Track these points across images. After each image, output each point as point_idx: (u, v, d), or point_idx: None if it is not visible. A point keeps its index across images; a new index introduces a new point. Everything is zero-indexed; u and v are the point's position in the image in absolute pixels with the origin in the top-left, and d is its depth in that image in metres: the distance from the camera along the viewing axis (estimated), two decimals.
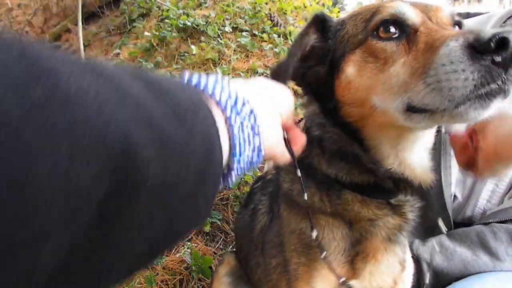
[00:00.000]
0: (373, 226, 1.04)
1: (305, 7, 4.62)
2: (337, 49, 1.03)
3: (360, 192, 1.03)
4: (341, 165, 1.03)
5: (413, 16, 0.90)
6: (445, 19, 0.95)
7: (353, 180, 1.02)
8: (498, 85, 0.73)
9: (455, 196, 1.54)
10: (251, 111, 0.60)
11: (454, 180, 1.50)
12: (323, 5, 5.13)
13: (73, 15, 7.05)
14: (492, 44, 0.71)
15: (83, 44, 5.34)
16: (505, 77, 0.73)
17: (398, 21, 0.91)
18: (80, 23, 4.99)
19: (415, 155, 1.00)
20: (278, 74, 1.04)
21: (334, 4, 5.10)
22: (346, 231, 1.06)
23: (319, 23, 1.07)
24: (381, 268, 1.07)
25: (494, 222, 1.37)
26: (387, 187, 1.02)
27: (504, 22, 1.50)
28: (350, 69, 0.97)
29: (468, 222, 1.55)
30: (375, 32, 0.93)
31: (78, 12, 4.87)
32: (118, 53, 4.89)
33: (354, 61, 0.97)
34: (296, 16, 4.36)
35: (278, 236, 1.19)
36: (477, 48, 0.73)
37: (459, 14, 1.72)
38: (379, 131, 0.98)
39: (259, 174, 2.62)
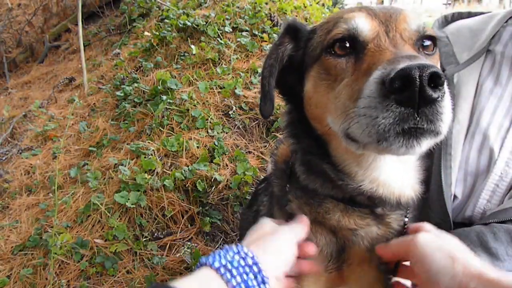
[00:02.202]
0: (355, 235, 1.02)
1: (305, 7, 4.61)
2: (305, 61, 1.00)
3: (342, 202, 1.02)
4: (313, 178, 1.02)
5: (365, 31, 0.86)
6: (407, 33, 0.88)
7: (329, 193, 1.01)
8: (411, 125, 0.69)
9: (455, 196, 1.53)
10: (255, 266, 0.79)
11: (454, 180, 1.50)
12: (323, 5, 5.12)
13: (73, 15, 7.06)
14: (396, 83, 0.67)
15: (83, 44, 5.35)
16: (418, 117, 0.68)
17: (350, 37, 0.87)
18: (80, 23, 4.99)
19: (388, 173, 0.95)
20: (263, 96, 1.04)
21: (334, 4, 5.09)
22: (331, 238, 1.05)
23: (293, 31, 1.03)
24: (369, 278, 1.05)
25: (494, 223, 1.37)
26: (362, 202, 0.99)
27: (506, 22, 1.50)
28: (309, 85, 0.96)
29: (468, 222, 1.54)
30: (330, 49, 0.90)
31: (78, 12, 4.87)
32: (118, 53, 4.89)
33: (312, 76, 0.95)
34: (296, 16, 4.36)
35: None
36: (386, 86, 0.69)
37: (460, 14, 1.73)
38: (340, 148, 0.95)
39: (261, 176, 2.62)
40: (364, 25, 0.86)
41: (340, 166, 0.96)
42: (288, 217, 1.12)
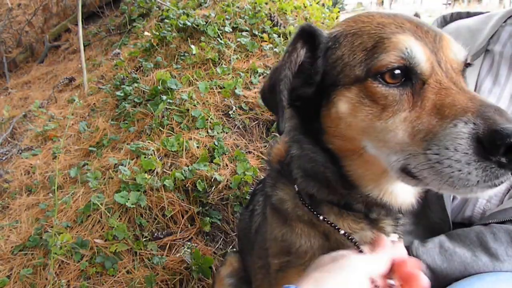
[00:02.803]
0: (349, 240, 1.02)
1: (305, 7, 4.61)
2: (328, 74, 0.93)
3: (337, 206, 1.02)
4: (312, 184, 1.02)
5: (422, 62, 0.81)
6: (455, 64, 0.87)
7: (325, 198, 1.01)
8: (502, 180, 0.70)
9: (454, 196, 1.53)
10: None
11: None
12: (323, 5, 5.12)
13: (73, 15, 7.06)
14: (502, 149, 0.67)
15: (83, 44, 5.35)
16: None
17: (406, 67, 0.82)
18: (80, 23, 4.99)
19: (400, 185, 0.96)
20: (271, 104, 0.98)
21: (334, 4, 5.09)
22: (324, 241, 1.05)
23: (307, 36, 0.95)
24: None
25: (493, 223, 1.37)
26: (358, 209, 1.00)
27: (505, 21, 1.50)
28: (343, 106, 0.89)
29: (468, 223, 1.54)
30: (378, 75, 0.83)
31: (78, 12, 4.88)
32: (118, 53, 4.89)
33: (349, 98, 0.88)
34: (296, 16, 4.36)
35: (264, 239, 1.21)
36: (485, 146, 0.68)
37: (459, 14, 1.73)
38: (363, 166, 0.93)
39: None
40: (421, 56, 0.82)
41: (351, 178, 0.95)
42: (282, 216, 1.12)
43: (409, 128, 0.79)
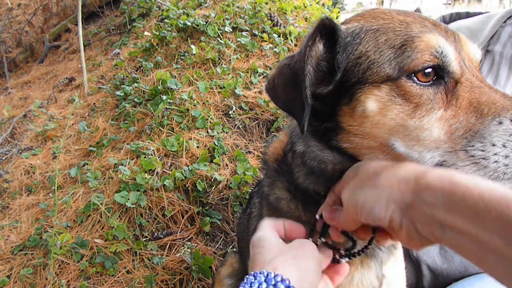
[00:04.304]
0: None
1: (305, 7, 4.62)
2: (350, 71, 0.89)
3: None
4: (317, 181, 1.00)
5: (453, 60, 0.83)
6: (475, 63, 0.89)
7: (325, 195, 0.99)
8: None
9: None
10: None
11: None
12: (323, 5, 5.12)
13: (73, 15, 7.07)
14: None
15: (83, 44, 5.35)
16: None
17: (438, 66, 0.82)
18: (80, 23, 5.00)
19: None
20: (286, 101, 0.95)
21: (334, 4, 5.09)
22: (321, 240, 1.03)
23: (326, 30, 0.91)
24: (355, 281, 1.04)
25: None
26: None
27: (504, 22, 1.50)
28: (372, 104, 0.86)
29: None
30: (412, 74, 0.83)
31: (78, 12, 4.89)
32: (118, 53, 4.89)
33: (379, 96, 0.86)
34: (296, 16, 4.36)
35: None
36: None
37: (459, 14, 1.73)
38: None
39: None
40: (452, 54, 0.83)
41: None
42: (279, 216, 1.12)
43: (445, 126, 0.81)
